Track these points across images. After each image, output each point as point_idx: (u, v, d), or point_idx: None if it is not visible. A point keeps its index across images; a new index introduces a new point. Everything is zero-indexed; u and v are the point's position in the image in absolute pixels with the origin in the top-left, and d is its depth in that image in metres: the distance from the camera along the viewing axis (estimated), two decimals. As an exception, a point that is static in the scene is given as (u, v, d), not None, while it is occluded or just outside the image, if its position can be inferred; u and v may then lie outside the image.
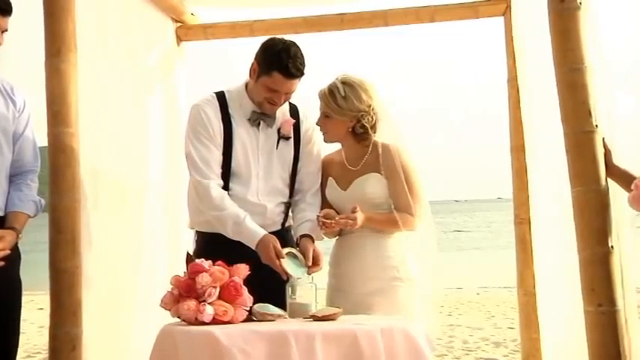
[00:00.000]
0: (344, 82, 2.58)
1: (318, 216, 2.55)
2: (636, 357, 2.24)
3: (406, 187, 2.59)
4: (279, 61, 2.50)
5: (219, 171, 2.59)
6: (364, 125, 2.60)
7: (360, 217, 2.52)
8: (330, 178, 2.70)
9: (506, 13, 3.45)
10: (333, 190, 2.69)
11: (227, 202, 2.55)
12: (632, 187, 2.18)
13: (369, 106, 2.59)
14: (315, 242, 2.61)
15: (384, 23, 3.56)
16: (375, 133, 2.63)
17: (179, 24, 3.68)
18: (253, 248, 2.49)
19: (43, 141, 2.58)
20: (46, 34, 2.47)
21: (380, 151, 2.61)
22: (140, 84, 3.35)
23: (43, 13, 2.48)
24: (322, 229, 2.56)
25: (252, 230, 2.51)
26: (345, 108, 2.57)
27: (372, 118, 2.60)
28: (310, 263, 2.49)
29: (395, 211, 2.58)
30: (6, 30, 2.36)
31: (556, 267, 3.06)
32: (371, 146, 2.64)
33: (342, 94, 2.56)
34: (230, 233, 2.54)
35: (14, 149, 2.48)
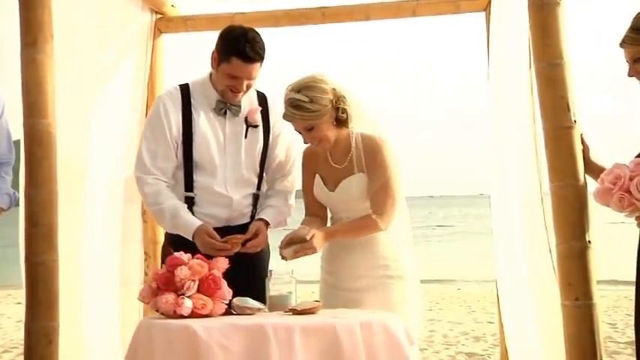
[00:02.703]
0: (299, 90, 2.48)
1: (279, 247, 2.45)
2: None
3: (384, 184, 2.52)
4: (236, 46, 2.48)
5: (167, 165, 2.55)
6: (344, 109, 2.52)
7: (317, 242, 2.43)
8: (317, 175, 2.65)
9: (488, 8, 3.46)
10: (320, 190, 2.64)
11: (163, 196, 2.52)
12: (598, 181, 2.19)
13: (333, 89, 2.52)
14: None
15: (365, 17, 3.56)
16: (351, 118, 2.55)
17: (159, 15, 3.65)
18: (190, 239, 2.45)
19: (19, 134, 2.54)
20: (22, 24, 2.42)
21: (355, 146, 2.55)
22: (119, 76, 3.32)
23: (18, 2, 2.44)
24: (284, 260, 2.47)
25: (188, 221, 2.48)
26: (320, 107, 2.48)
27: (343, 98, 2.53)
28: (250, 236, 2.50)
29: (371, 214, 2.50)
30: None
31: (514, 261, 3.09)
32: (354, 142, 2.58)
33: (307, 99, 2.46)
34: (169, 227, 2.51)
35: None
